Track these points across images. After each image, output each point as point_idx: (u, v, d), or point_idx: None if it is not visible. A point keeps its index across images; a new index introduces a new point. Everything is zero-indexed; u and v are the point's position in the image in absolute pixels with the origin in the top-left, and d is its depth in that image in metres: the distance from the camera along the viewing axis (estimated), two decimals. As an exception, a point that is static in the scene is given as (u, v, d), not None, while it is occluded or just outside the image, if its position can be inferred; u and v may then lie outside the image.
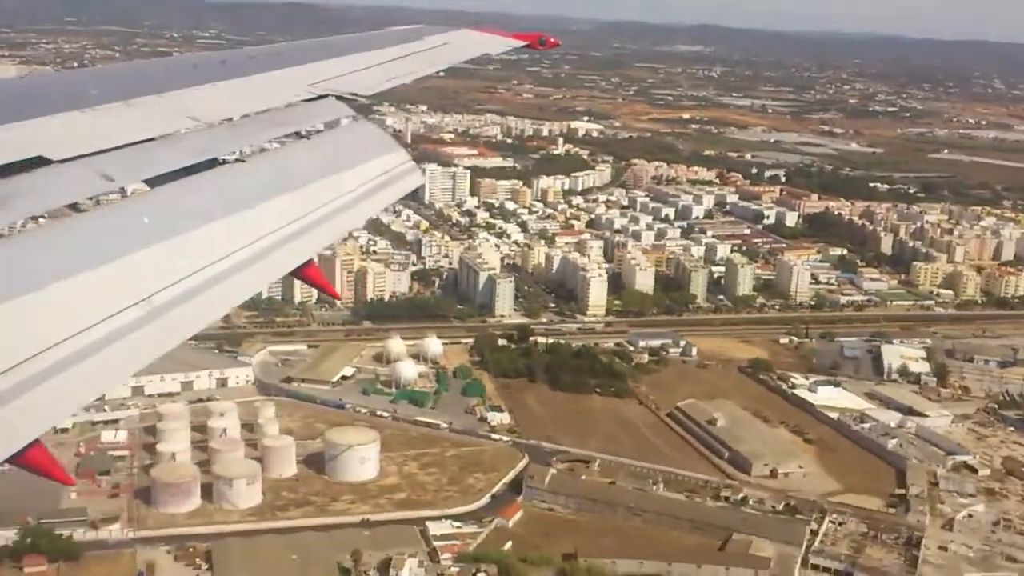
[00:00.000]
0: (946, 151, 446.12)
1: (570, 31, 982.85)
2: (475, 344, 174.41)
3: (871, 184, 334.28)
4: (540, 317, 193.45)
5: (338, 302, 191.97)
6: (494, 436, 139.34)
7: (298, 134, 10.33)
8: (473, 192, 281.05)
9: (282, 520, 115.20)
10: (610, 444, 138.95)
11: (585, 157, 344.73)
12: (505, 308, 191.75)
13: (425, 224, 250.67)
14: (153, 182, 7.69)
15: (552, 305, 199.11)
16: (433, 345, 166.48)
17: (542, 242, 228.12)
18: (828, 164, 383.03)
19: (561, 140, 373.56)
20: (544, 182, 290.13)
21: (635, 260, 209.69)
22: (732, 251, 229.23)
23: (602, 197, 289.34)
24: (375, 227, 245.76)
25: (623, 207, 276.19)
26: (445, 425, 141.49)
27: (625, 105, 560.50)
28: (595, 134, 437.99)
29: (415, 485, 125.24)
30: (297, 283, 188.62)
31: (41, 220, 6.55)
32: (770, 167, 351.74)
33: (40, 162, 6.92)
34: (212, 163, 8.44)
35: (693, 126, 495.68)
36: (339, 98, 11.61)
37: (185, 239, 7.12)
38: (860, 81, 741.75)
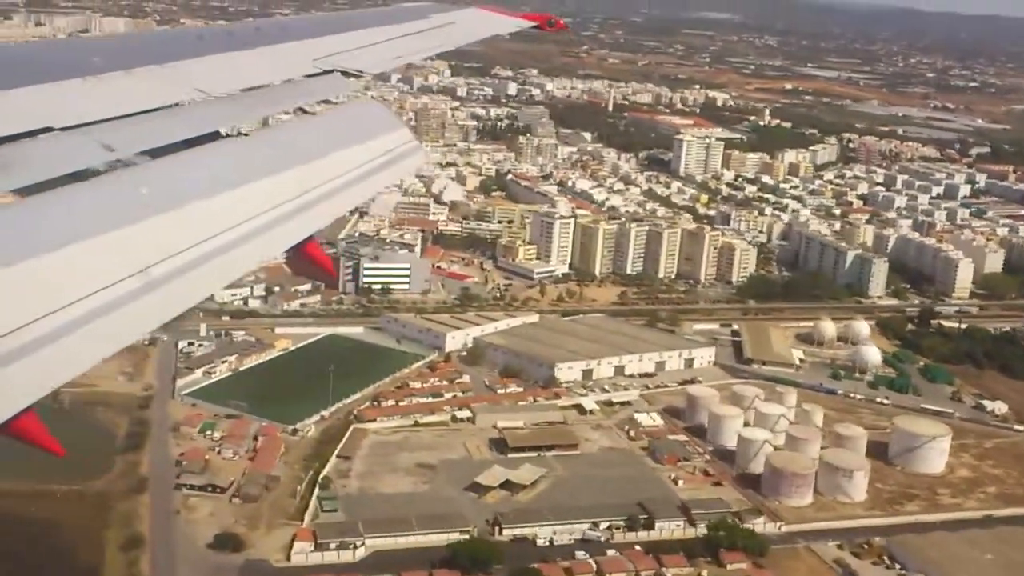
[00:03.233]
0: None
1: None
2: (883, 325, 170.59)
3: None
4: (906, 298, 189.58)
5: (703, 279, 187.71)
6: (1017, 427, 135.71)
7: (302, 109, 10.42)
8: (724, 164, 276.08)
9: (910, 515, 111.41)
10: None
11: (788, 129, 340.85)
12: (879, 288, 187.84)
13: (704, 197, 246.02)
14: (154, 153, 7.69)
15: (906, 286, 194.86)
16: (863, 328, 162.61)
17: (862, 220, 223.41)
18: (982, 140, 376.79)
19: (767, 112, 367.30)
20: (789, 155, 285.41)
21: (978, 242, 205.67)
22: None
23: (849, 172, 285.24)
24: (652, 196, 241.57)
25: (877, 183, 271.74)
26: (958, 414, 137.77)
27: (720, 73, 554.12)
28: (731, 103, 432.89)
29: (994, 479, 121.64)
30: (662, 258, 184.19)
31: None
32: (974, 144, 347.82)
33: (43, 129, 7.01)
34: (214, 136, 8.41)
35: (806, 97, 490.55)
36: (344, 74, 11.57)
37: (184, 212, 7.12)
38: (916, 54, 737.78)
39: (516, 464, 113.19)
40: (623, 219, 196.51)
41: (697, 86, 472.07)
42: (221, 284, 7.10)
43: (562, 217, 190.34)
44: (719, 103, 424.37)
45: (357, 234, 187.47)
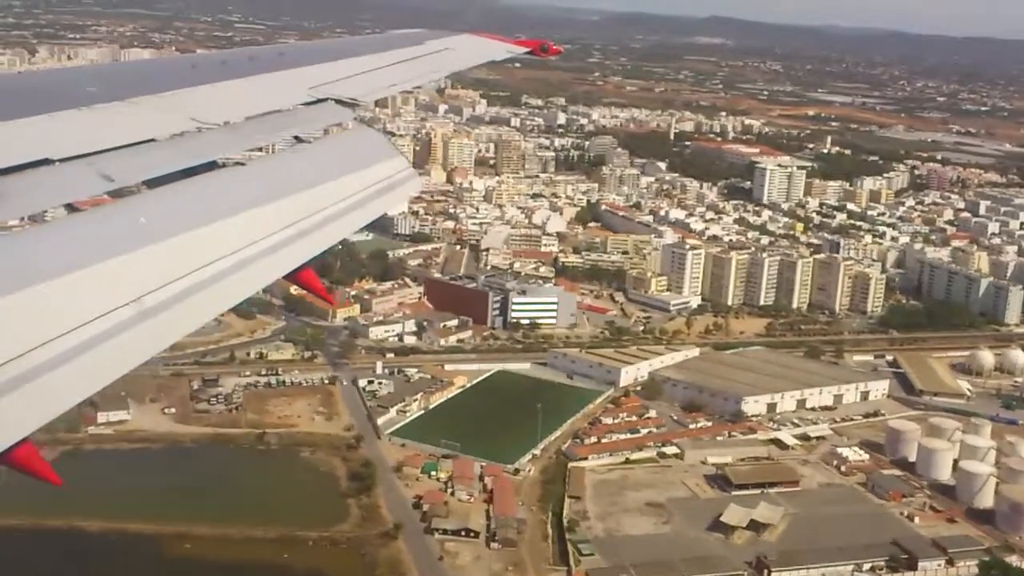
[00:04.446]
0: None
1: (580, 21, 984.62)
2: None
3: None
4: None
5: (838, 309, 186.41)
6: None
7: (298, 138, 10.36)
8: (806, 192, 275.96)
9: None
10: None
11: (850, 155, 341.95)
12: (1015, 316, 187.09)
13: (800, 225, 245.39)
14: (152, 183, 7.69)
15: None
16: (1019, 357, 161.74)
17: (974, 247, 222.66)
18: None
19: (829, 140, 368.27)
20: (867, 183, 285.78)
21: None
22: None
23: (926, 199, 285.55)
24: (744, 224, 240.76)
25: (960, 209, 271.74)
26: None
27: (738, 100, 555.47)
28: (765, 131, 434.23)
29: None
30: (796, 287, 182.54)
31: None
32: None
33: (41, 160, 6.99)
34: (211, 165, 8.38)
35: (832, 123, 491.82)
36: (339, 102, 11.56)
37: (180, 241, 7.10)
38: (919, 78, 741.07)
39: (744, 502, 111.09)
40: (752, 249, 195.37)
41: (723, 113, 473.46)
42: (216, 313, 7.00)
43: (694, 248, 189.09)
44: (755, 130, 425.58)
45: (489, 267, 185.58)
